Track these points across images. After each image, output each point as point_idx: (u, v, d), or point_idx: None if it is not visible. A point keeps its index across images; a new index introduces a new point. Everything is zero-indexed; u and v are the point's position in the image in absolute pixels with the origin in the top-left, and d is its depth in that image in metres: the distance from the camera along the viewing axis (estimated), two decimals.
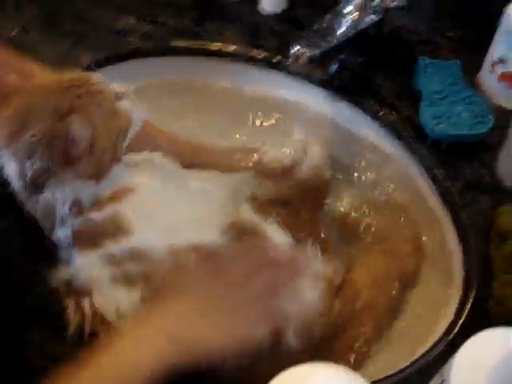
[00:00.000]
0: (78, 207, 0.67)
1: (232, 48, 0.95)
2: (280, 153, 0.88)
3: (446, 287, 0.74)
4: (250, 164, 0.87)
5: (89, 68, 0.91)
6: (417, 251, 0.80)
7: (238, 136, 0.95)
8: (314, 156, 0.88)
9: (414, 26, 0.95)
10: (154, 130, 0.83)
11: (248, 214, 0.77)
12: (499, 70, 0.83)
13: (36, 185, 0.67)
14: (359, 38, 0.84)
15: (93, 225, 0.68)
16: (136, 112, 0.74)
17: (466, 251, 0.74)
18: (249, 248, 0.69)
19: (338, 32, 0.80)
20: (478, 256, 0.73)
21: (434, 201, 0.81)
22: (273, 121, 0.96)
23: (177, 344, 0.57)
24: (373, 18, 0.80)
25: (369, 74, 0.90)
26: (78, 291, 0.65)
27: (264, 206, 0.81)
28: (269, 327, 0.60)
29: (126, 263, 0.66)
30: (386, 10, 0.80)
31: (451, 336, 0.65)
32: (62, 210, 0.67)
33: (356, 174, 0.90)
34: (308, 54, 0.76)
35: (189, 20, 0.99)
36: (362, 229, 0.85)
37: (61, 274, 0.66)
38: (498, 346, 0.45)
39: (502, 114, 0.84)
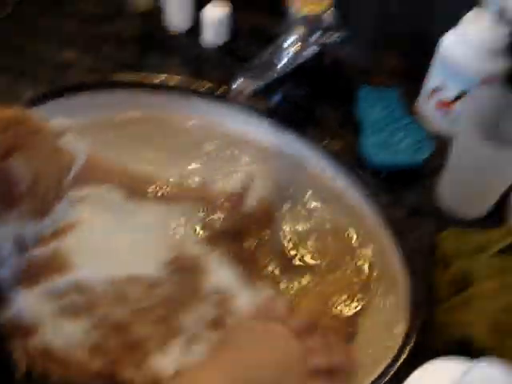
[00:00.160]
0: (21, 246, 0.66)
1: (175, 80, 0.96)
2: (226, 184, 0.89)
3: (393, 314, 0.75)
4: (197, 196, 0.88)
5: (30, 104, 0.90)
6: (362, 278, 0.81)
7: (184, 168, 0.94)
8: (260, 186, 0.89)
9: (354, 55, 0.97)
10: (98, 163, 0.82)
11: (193, 246, 0.77)
12: (436, 97, 0.86)
13: None
14: (301, 69, 0.86)
15: (36, 262, 0.67)
16: (79, 148, 0.73)
17: (411, 277, 0.75)
18: None
19: (280, 65, 0.81)
20: (423, 282, 0.74)
21: (378, 228, 0.83)
22: (218, 152, 0.95)
23: None
24: (313, 50, 0.82)
25: (311, 104, 0.92)
26: (24, 330, 0.64)
27: (211, 238, 0.82)
28: None
29: (69, 296, 0.65)
30: (325, 45, 0.82)
31: (397, 366, 0.66)
32: (5, 249, 0.66)
33: (301, 203, 0.90)
34: (251, 87, 0.77)
35: (132, 53, 0.99)
36: (307, 257, 0.85)
37: (5, 314, 0.65)
38: (444, 379, 0.46)
39: (440, 140, 0.86)
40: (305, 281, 0.82)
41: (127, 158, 0.91)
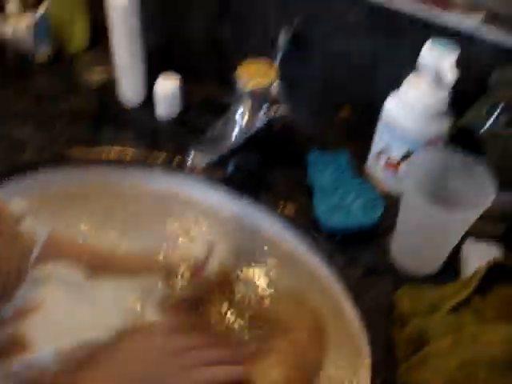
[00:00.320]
0: None
1: (131, 153, 0.97)
2: (186, 252, 0.90)
3: (353, 375, 0.76)
4: (157, 267, 0.88)
5: None
6: (321, 339, 0.82)
7: (143, 239, 0.95)
8: (219, 252, 0.90)
9: (303, 120, 1.00)
10: (58, 241, 0.82)
11: (153, 317, 0.77)
12: (383, 158, 0.89)
13: None
14: (252, 139, 0.89)
15: None
16: (38, 229, 0.74)
17: (370, 337, 0.76)
18: None
19: (231, 137, 0.84)
20: (382, 341, 0.75)
21: (335, 288, 0.84)
22: (177, 221, 0.97)
23: None
24: (262, 122, 0.85)
25: (264, 171, 0.94)
26: None
27: (172, 308, 0.82)
28: None
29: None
30: (273, 117, 0.85)
31: None
32: None
33: (259, 267, 0.92)
34: (205, 161, 0.79)
35: (86, 128, 1.01)
36: (266, 320, 0.86)
37: None
38: None
39: (391, 199, 0.88)
40: (262, 344, 0.83)
41: (87, 232, 0.93)
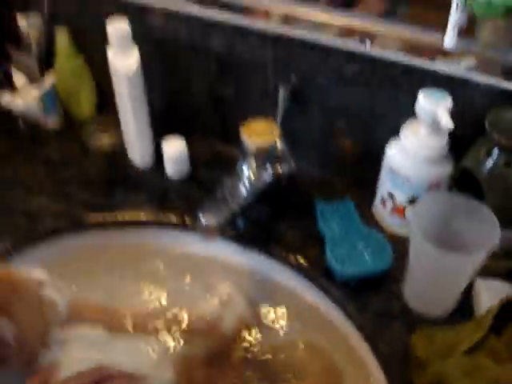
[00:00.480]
0: None
1: (144, 214, 1.00)
2: (202, 309, 0.92)
3: None
4: (175, 324, 0.90)
5: (5, 255, 0.94)
6: None
7: (160, 296, 0.98)
8: (236, 306, 0.92)
9: (308, 171, 1.04)
10: (79, 305, 0.85)
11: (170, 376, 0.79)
12: (389, 204, 0.92)
13: None
14: (260, 193, 0.92)
15: None
16: (60, 297, 0.76)
17: (388, 382, 0.78)
18: None
19: (240, 195, 0.87)
20: None
21: (352, 336, 0.86)
22: (193, 278, 0.99)
23: None
24: (268, 179, 0.88)
25: (274, 223, 0.97)
26: None
27: (190, 364, 0.84)
28: None
29: None
30: (278, 174, 0.88)
31: None
32: None
33: (275, 318, 0.93)
34: (216, 221, 0.82)
35: (99, 193, 1.05)
36: (284, 370, 0.87)
37: None
38: None
39: (400, 242, 0.90)
40: None
41: (105, 292, 0.95)
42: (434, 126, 0.82)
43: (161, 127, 1.08)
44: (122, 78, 0.97)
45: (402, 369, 0.78)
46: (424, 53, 0.84)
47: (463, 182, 0.84)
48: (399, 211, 0.90)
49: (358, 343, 0.84)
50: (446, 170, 0.86)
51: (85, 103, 1.18)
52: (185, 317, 0.92)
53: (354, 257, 0.87)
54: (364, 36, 0.87)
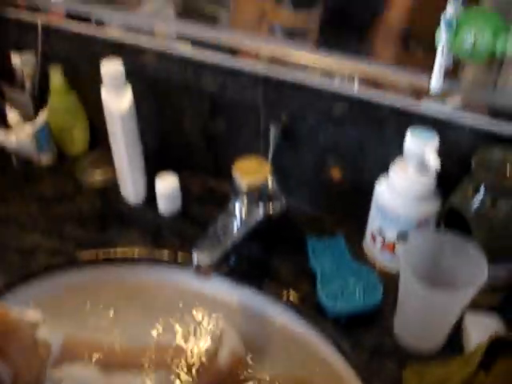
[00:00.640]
0: None
1: (137, 251, 1.01)
2: (198, 344, 0.93)
3: None
4: (170, 361, 0.91)
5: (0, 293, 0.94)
6: None
7: (153, 334, 0.98)
8: (229, 342, 0.93)
9: (299, 207, 1.05)
10: (72, 343, 0.86)
11: None
12: (379, 240, 0.93)
13: None
14: (252, 230, 0.93)
15: None
16: (54, 337, 0.77)
17: None
18: None
19: (232, 232, 0.88)
20: None
21: (343, 372, 0.86)
22: (186, 314, 1.00)
23: None
24: (259, 217, 0.89)
25: (266, 259, 0.98)
26: None
27: None
28: None
29: None
30: (270, 212, 0.90)
31: None
32: None
33: (268, 353, 0.94)
34: (209, 260, 0.83)
35: (93, 228, 1.06)
36: None
37: None
38: None
39: (390, 277, 0.91)
40: None
41: (99, 329, 0.96)
42: (422, 165, 0.84)
43: (153, 163, 1.10)
44: (115, 117, 0.99)
45: None
46: (411, 94, 0.86)
47: (451, 218, 0.86)
48: (389, 247, 0.92)
49: (351, 381, 0.85)
50: (434, 207, 0.87)
51: (78, 140, 1.20)
52: (179, 353, 0.93)
53: (346, 293, 0.88)
54: (352, 77, 0.89)
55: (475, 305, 0.84)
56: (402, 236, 0.89)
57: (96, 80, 0.99)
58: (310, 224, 1.04)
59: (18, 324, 0.73)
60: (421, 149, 0.82)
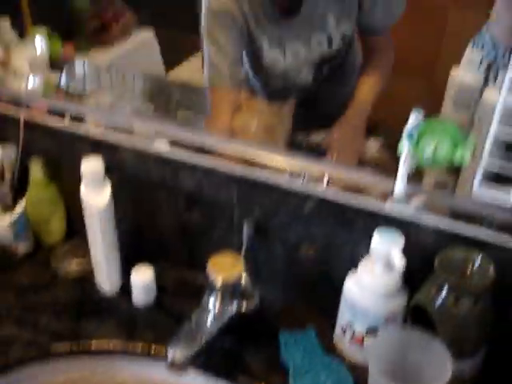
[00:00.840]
0: None
1: (111, 344, 1.02)
2: None
3: None
4: None
5: None
6: None
7: None
8: None
9: (272, 298, 1.08)
10: None
11: None
12: (349, 334, 0.96)
13: None
14: (226, 324, 0.95)
15: None
16: None
17: None
18: None
19: (206, 327, 0.91)
20: None
21: None
22: None
23: None
24: (233, 311, 0.92)
25: (239, 352, 0.99)
26: None
27: None
28: None
29: None
30: (242, 308, 0.93)
31: None
32: None
33: None
34: (183, 356, 0.85)
35: (68, 319, 1.07)
36: None
37: None
38: None
39: (361, 370, 0.93)
40: None
41: None
42: (388, 263, 0.88)
43: (129, 254, 1.12)
44: (93, 212, 1.02)
45: None
46: (377, 196, 0.91)
47: (417, 314, 0.90)
48: (358, 341, 0.95)
49: None
50: (401, 302, 0.91)
51: (55, 229, 1.22)
52: None
53: None
54: (321, 178, 0.95)
55: None
56: (371, 330, 0.93)
57: (75, 173, 1.03)
58: (282, 316, 1.06)
59: None
60: (387, 249, 0.87)
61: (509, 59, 0.85)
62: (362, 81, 1.23)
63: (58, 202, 1.22)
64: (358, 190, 0.94)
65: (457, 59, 0.99)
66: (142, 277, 1.07)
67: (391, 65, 1.26)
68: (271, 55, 1.21)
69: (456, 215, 0.88)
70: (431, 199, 0.89)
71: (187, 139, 1.05)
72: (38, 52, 1.31)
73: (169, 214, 1.13)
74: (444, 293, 0.85)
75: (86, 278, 1.15)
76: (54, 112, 1.16)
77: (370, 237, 0.89)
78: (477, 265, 0.87)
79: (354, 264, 0.94)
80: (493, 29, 1.18)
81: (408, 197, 0.89)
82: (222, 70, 1.18)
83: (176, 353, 0.85)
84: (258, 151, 1.01)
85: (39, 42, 1.31)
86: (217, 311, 0.92)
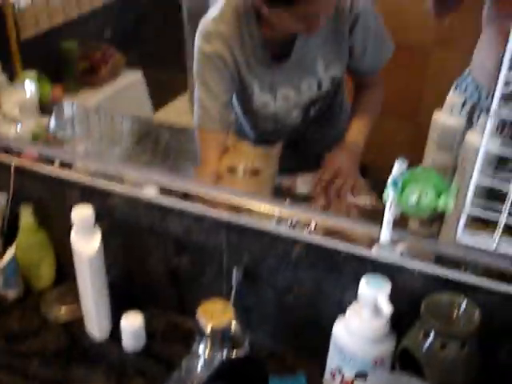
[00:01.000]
0: None
1: None
2: None
3: None
4: None
5: None
6: None
7: None
8: None
9: (262, 343, 1.09)
10: None
11: None
12: (338, 378, 0.96)
13: None
14: (216, 370, 0.95)
15: None
16: None
17: None
18: None
19: (196, 374, 0.91)
20: None
21: None
22: None
23: None
24: (223, 357, 0.93)
25: None
26: None
27: None
28: None
29: None
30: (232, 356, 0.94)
31: None
32: None
33: None
34: None
35: (58, 365, 1.07)
36: None
37: None
38: None
39: None
40: None
41: None
42: (376, 309, 0.89)
43: (119, 300, 1.13)
44: (83, 259, 1.03)
45: None
46: (363, 242, 0.93)
47: (405, 358, 0.91)
48: None
49: None
50: (388, 347, 0.92)
51: (44, 275, 1.23)
52: None
53: None
54: (308, 225, 0.96)
55: None
56: (360, 375, 0.93)
57: (65, 218, 1.04)
58: (272, 361, 1.07)
59: None
60: (374, 295, 0.88)
61: (491, 103, 0.87)
62: (353, 123, 1.26)
63: (48, 247, 1.22)
64: (344, 235, 0.95)
65: (440, 101, 1.01)
66: (132, 323, 1.07)
67: (382, 98, 1.30)
68: (262, 99, 1.24)
69: (441, 260, 0.90)
70: (416, 245, 0.91)
71: (176, 185, 1.07)
72: (28, 96, 1.33)
73: (158, 259, 1.14)
74: (431, 338, 0.86)
75: (76, 323, 1.15)
76: (43, 158, 1.18)
77: (358, 281, 0.90)
78: (462, 309, 0.89)
79: (342, 308, 0.95)
80: (475, 71, 1.21)
81: (394, 243, 0.91)
82: (211, 113, 1.20)
83: None
84: (245, 197, 1.03)
85: (29, 86, 1.33)
86: (207, 357, 0.93)
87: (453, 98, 1.05)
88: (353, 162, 1.21)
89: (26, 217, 1.17)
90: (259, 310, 1.08)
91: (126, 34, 1.96)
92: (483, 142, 0.83)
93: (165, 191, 1.07)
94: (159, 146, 1.47)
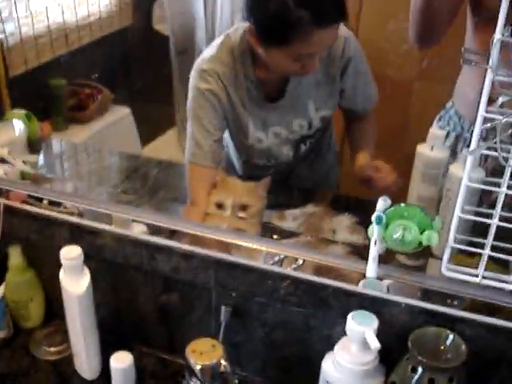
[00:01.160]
0: None
1: None
2: None
3: None
4: None
5: None
6: None
7: None
8: None
9: (251, 379, 1.09)
10: None
11: None
12: None
13: None
14: None
15: None
16: None
17: None
18: None
19: None
20: None
21: None
22: None
23: None
24: None
25: None
26: None
27: None
28: None
29: None
30: None
31: None
32: None
33: None
34: None
35: None
36: None
37: None
38: None
39: None
40: None
41: None
42: (364, 344, 0.90)
43: (108, 339, 1.13)
44: (72, 299, 1.03)
45: None
46: (350, 277, 0.94)
47: None
48: None
49: None
50: (378, 382, 0.92)
51: (34, 314, 1.22)
52: None
53: None
54: (295, 262, 0.97)
55: None
56: None
57: (54, 257, 1.04)
58: None
59: None
60: (361, 331, 0.88)
61: (471, 137, 0.88)
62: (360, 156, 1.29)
63: (37, 287, 1.22)
64: (331, 270, 0.96)
65: (424, 132, 1.03)
66: (122, 363, 1.06)
67: (376, 127, 1.33)
68: (255, 135, 1.27)
69: (428, 293, 0.91)
70: (403, 279, 0.92)
71: (164, 223, 1.07)
72: (17, 134, 1.34)
73: (147, 298, 1.14)
74: (419, 373, 0.86)
75: (66, 362, 1.15)
76: (32, 197, 1.18)
77: (346, 316, 0.91)
78: (449, 343, 0.89)
79: (331, 344, 0.95)
80: (457, 103, 1.24)
81: (380, 278, 0.92)
82: (204, 149, 1.22)
83: None
84: (233, 235, 1.04)
85: (17, 125, 1.34)
86: None
87: (435, 130, 1.07)
88: None
89: (15, 256, 1.17)
90: (248, 346, 1.08)
91: (114, 71, 1.98)
92: (464, 179, 0.84)
93: (153, 229, 1.07)
94: (148, 181, 1.48)
